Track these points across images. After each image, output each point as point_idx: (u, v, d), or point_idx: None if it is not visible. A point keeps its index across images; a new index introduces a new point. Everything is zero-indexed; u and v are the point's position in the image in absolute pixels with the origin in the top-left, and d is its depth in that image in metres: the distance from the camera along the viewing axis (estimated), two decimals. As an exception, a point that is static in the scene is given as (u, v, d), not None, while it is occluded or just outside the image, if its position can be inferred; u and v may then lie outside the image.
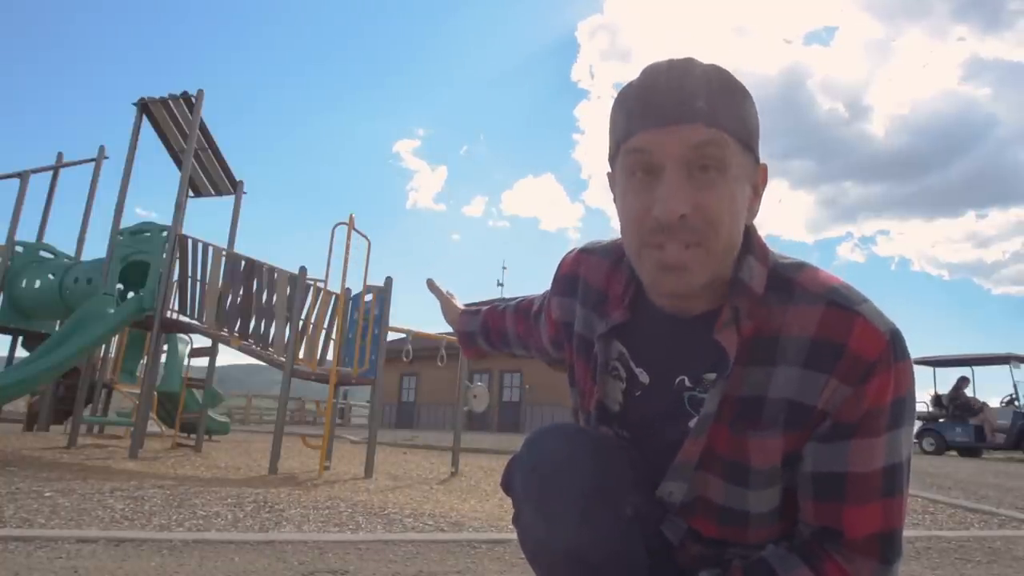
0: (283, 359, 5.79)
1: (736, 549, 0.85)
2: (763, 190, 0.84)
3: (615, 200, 0.85)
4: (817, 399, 0.76)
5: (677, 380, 0.86)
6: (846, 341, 0.74)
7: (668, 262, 0.76)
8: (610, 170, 0.87)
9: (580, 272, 1.00)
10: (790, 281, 0.81)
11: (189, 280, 6.69)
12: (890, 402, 0.75)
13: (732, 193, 0.76)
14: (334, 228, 5.66)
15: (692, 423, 0.83)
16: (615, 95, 0.84)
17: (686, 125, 0.74)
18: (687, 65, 0.77)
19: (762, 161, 0.83)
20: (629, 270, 0.92)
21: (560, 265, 1.05)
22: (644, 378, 0.90)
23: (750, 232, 0.84)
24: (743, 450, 0.80)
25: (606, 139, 0.86)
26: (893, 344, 0.75)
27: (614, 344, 0.93)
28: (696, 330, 0.84)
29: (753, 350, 0.79)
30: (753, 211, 0.83)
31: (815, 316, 0.77)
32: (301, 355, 5.97)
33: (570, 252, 1.05)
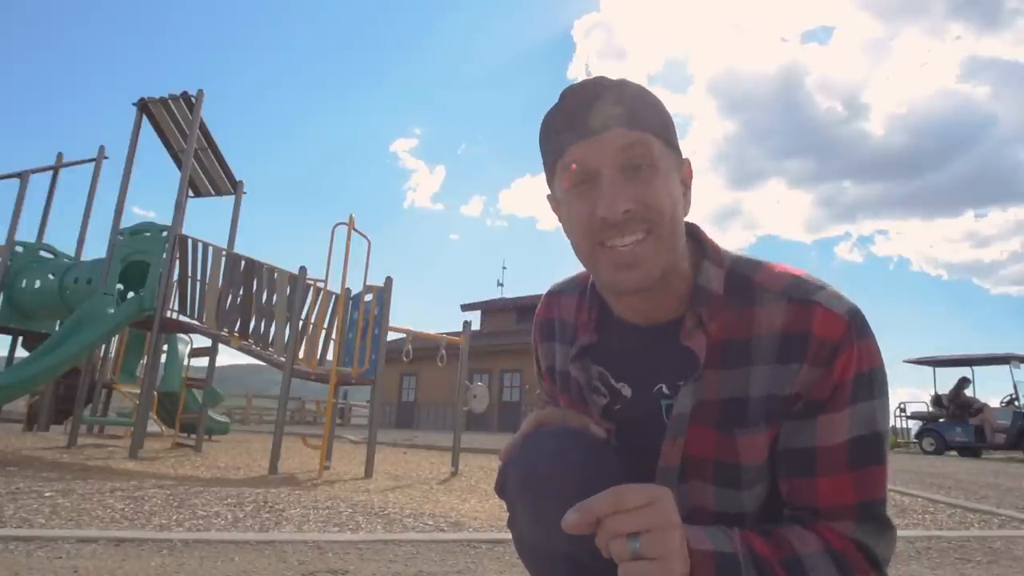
0: (283, 359, 5.79)
1: None
2: (691, 183, 0.89)
3: (560, 220, 0.89)
4: (792, 386, 0.79)
5: (655, 389, 0.89)
6: (810, 329, 0.79)
7: (621, 261, 0.80)
8: (550, 192, 0.91)
9: (555, 314, 1.04)
10: (749, 280, 0.85)
11: (189, 280, 6.70)
12: (852, 377, 0.78)
13: (667, 185, 0.82)
14: (334, 228, 5.66)
15: None
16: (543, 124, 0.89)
17: (611, 131, 0.80)
18: (600, 81, 0.83)
19: (684, 156, 0.88)
20: (592, 294, 0.96)
21: (536, 315, 1.09)
22: (626, 391, 0.92)
23: (701, 236, 0.90)
24: (732, 450, 0.82)
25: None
26: (853, 324, 0.79)
27: (592, 368, 0.95)
28: (667, 339, 0.87)
29: (726, 353, 0.82)
30: (687, 204, 0.87)
31: (779, 313, 0.81)
32: (301, 355, 5.97)
33: (542, 299, 1.08)
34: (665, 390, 0.87)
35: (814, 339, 0.78)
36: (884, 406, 0.80)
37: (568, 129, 0.83)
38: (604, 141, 0.80)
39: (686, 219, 0.89)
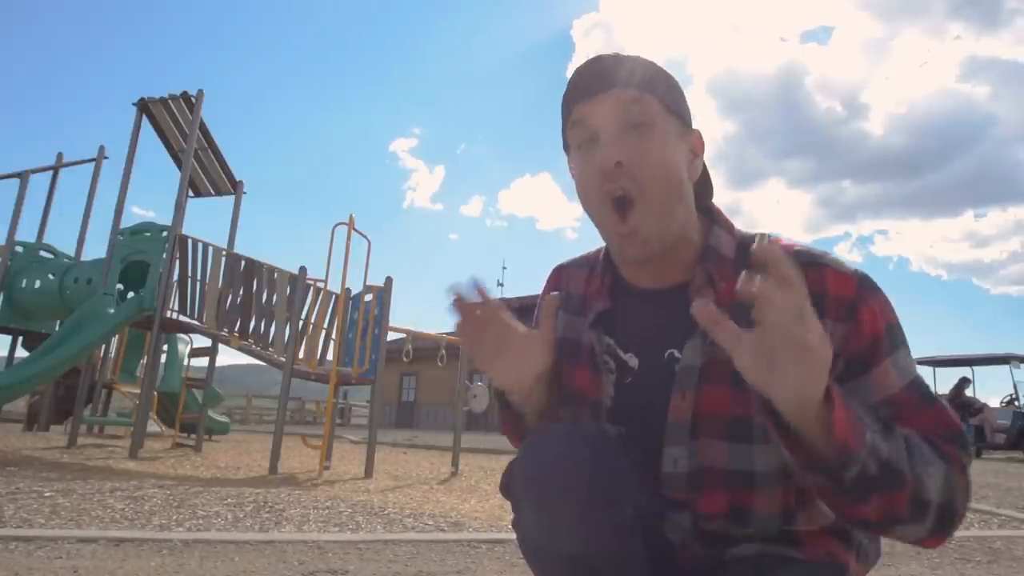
0: (283, 359, 5.79)
1: (740, 549, 0.85)
2: (701, 152, 0.92)
3: (577, 192, 0.92)
4: None
5: (666, 354, 0.89)
6: (825, 288, 0.81)
7: (624, 230, 0.84)
8: (569, 163, 0.94)
9: (562, 285, 1.05)
10: None
11: (189, 280, 6.70)
12: (884, 328, 0.80)
13: (664, 144, 0.85)
14: (334, 228, 5.67)
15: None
16: None
17: (612, 91, 0.85)
18: (612, 54, 0.89)
19: (695, 128, 0.91)
20: (605, 262, 0.98)
21: (543, 290, 1.09)
22: (633, 362, 0.92)
23: (713, 209, 0.94)
24: (746, 402, 0.82)
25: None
26: (863, 281, 0.82)
27: (602, 337, 0.95)
28: (676, 301, 0.87)
29: (740, 312, 0.82)
30: (695, 170, 0.90)
31: None
32: (301, 355, 5.97)
33: (550, 274, 1.10)
34: (677, 354, 0.88)
35: (830, 297, 0.80)
36: (910, 353, 0.82)
37: (575, 92, 0.88)
38: (605, 99, 0.85)
39: (712, 200, 0.92)
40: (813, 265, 0.82)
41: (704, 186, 0.94)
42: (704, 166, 0.94)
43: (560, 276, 1.06)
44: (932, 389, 0.81)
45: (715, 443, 0.84)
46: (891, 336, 0.80)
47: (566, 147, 0.93)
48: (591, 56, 0.89)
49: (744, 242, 0.89)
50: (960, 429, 0.79)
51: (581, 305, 1.00)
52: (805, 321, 0.62)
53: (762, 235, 0.90)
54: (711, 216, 0.93)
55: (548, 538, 0.83)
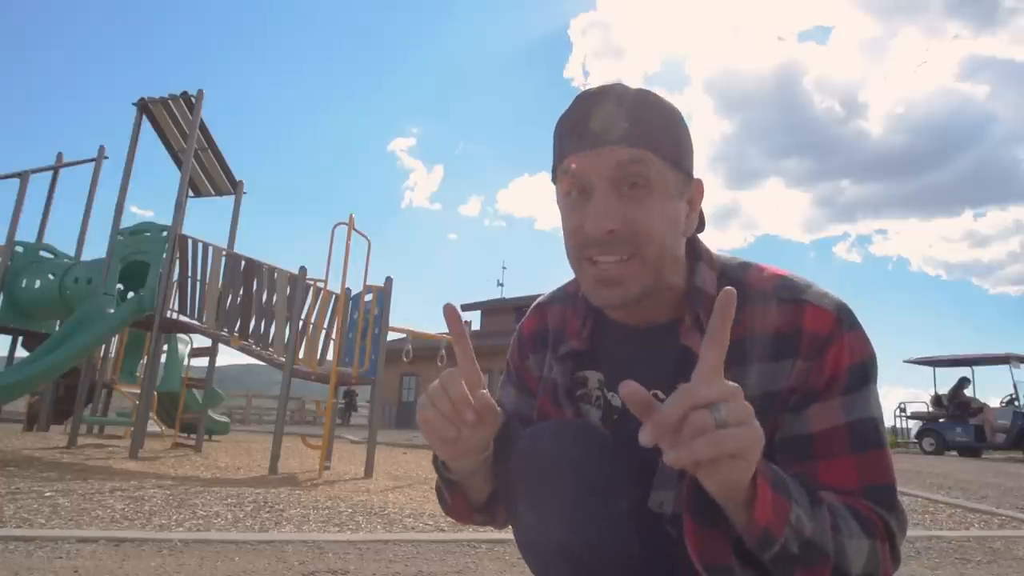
0: (283, 359, 5.79)
1: None
2: (700, 203, 0.89)
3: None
4: (787, 380, 0.81)
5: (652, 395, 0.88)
6: (801, 325, 0.81)
7: (603, 276, 0.82)
8: (556, 194, 0.92)
9: (548, 324, 1.04)
10: (739, 283, 0.86)
11: (189, 280, 6.70)
12: (847, 367, 0.80)
13: (662, 207, 0.81)
14: (334, 228, 5.67)
15: None
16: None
17: (610, 147, 0.80)
18: (614, 90, 0.83)
19: (696, 177, 0.87)
20: (585, 304, 0.96)
21: (521, 327, 1.07)
22: (617, 402, 0.92)
23: (697, 241, 0.91)
24: None
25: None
26: (841, 318, 0.81)
27: (591, 373, 0.95)
28: (662, 342, 0.88)
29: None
30: (691, 224, 0.88)
31: (771, 313, 0.83)
32: (301, 355, 5.97)
33: (530, 312, 1.07)
34: (661, 396, 0.87)
35: (805, 334, 0.80)
36: (876, 393, 0.82)
37: (571, 136, 0.83)
38: (602, 155, 0.80)
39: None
40: (793, 302, 0.83)
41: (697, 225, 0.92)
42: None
43: (544, 316, 1.04)
44: (880, 436, 0.80)
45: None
46: (851, 375, 0.80)
47: (554, 178, 0.89)
48: (593, 91, 0.84)
49: (724, 273, 0.88)
50: (890, 483, 0.79)
51: (558, 341, 0.99)
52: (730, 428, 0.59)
53: (739, 264, 0.89)
54: (695, 252, 0.90)
55: (540, 530, 0.84)
